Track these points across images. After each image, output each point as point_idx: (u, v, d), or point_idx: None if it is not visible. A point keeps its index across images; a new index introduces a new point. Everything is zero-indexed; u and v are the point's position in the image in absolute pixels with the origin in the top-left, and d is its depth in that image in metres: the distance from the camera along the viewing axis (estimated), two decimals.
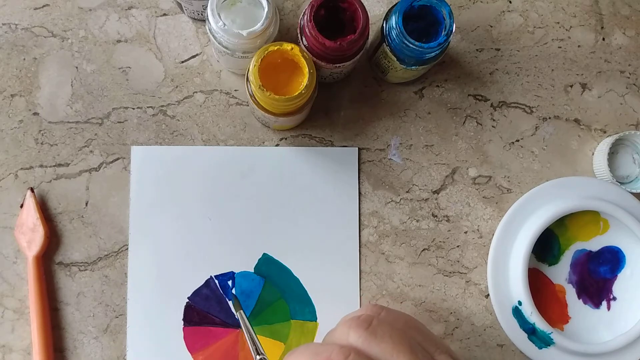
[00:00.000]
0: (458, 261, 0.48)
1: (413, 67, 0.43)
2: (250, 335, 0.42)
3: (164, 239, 0.46)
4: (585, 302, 0.47)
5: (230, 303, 0.46)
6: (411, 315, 0.37)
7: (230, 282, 0.46)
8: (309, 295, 0.47)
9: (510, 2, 0.50)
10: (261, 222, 0.47)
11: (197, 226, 0.47)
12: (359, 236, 0.47)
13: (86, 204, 0.47)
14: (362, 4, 0.40)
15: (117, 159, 0.47)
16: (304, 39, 0.41)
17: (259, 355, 0.40)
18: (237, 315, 0.45)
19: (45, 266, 0.46)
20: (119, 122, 0.47)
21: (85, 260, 0.46)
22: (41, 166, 0.47)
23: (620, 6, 0.50)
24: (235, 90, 0.48)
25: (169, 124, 0.47)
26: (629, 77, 0.50)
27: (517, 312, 0.45)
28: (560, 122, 0.49)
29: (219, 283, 0.46)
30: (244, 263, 0.47)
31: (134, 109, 0.47)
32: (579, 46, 0.50)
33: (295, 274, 0.47)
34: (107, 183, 0.47)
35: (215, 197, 0.47)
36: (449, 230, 0.48)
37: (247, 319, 0.44)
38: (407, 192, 0.48)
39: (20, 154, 0.47)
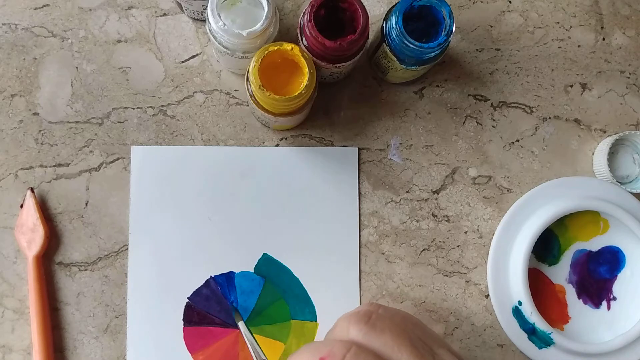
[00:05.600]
0: (458, 261, 0.48)
1: (413, 67, 0.43)
2: (252, 345, 0.42)
3: (164, 239, 0.46)
4: (585, 302, 0.47)
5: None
6: (409, 312, 0.37)
7: (230, 282, 0.46)
8: (309, 295, 0.47)
9: (510, 2, 0.50)
10: (261, 222, 0.47)
11: (197, 226, 0.47)
12: (359, 236, 0.47)
13: (86, 204, 0.47)
14: (362, 4, 0.40)
15: (117, 159, 0.47)
16: (304, 39, 0.41)
17: None
18: (238, 325, 0.45)
19: (45, 266, 0.46)
20: (119, 122, 0.47)
21: (85, 260, 0.46)
22: (41, 166, 0.47)
23: (620, 6, 0.50)
24: (235, 90, 0.48)
25: (169, 124, 0.47)
26: (629, 77, 0.50)
27: (517, 312, 0.45)
28: (560, 122, 0.49)
29: (219, 283, 0.46)
30: (244, 263, 0.47)
31: (134, 109, 0.47)
32: (579, 46, 0.50)
33: (295, 274, 0.47)
34: (107, 183, 0.47)
35: (215, 197, 0.47)
36: (449, 230, 0.48)
37: (249, 329, 0.45)
38: (407, 192, 0.48)
39: (20, 154, 0.47)
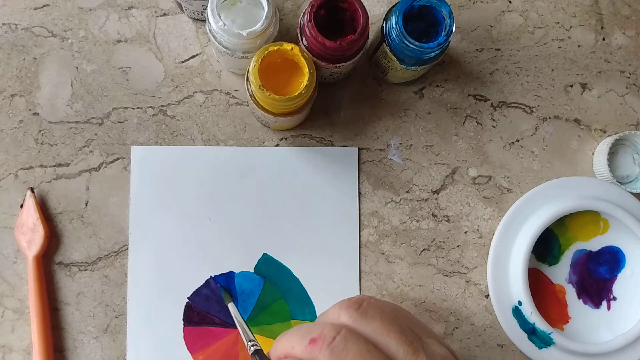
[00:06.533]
0: (458, 261, 0.48)
1: (413, 67, 0.43)
2: (240, 325, 0.42)
3: (164, 239, 0.46)
4: (585, 302, 0.47)
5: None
6: (400, 306, 0.37)
7: (230, 282, 0.46)
8: (309, 295, 0.47)
9: (510, 2, 0.50)
10: (261, 222, 0.47)
11: (197, 226, 0.47)
12: (359, 236, 0.47)
13: (86, 204, 0.47)
14: (362, 4, 0.40)
15: (117, 159, 0.47)
16: (304, 39, 0.41)
17: (251, 341, 0.40)
18: (228, 307, 0.45)
19: (45, 266, 0.46)
20: (119, 122, 0.47)
21: (85, 260, 0.46)
22: (41, 166, 0.47)
23: (620, 6, 0.50)
24: (235, 90, 0.48)
25: (169, 124, 0.47)
26: (629, 77, 0.50)
27: (517, 312, 0.45)
28: (560, 122, 0.49)
29: (219, 283, 0.46)
30: (244, 263, 0.47)
31: (134, 109, 0.47)
32: (579, 46, 0.50)
33: (295, 274, 0.47)
34: (107, 183, 0.47)
35: (215, 197, 0.47)
36: (449, 230, 0.48)
37: (238, 309, 0.45)
38: (407, 192, 0.48)
39: (20, 154, 0.47)
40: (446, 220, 0.48)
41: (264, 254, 0.47)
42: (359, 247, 0.47)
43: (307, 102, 0.42)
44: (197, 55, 0.48)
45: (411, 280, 0.47)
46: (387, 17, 0.42)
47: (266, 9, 0.40)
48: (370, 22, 0.41)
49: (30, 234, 0.45)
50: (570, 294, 0.47)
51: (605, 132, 0.49)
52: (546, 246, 0.47)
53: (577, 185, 0.47)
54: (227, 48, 0.41)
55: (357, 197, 0.48)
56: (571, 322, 0.47)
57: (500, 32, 0.50)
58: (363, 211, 0.48)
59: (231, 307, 0.44)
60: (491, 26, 0.50)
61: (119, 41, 0.48)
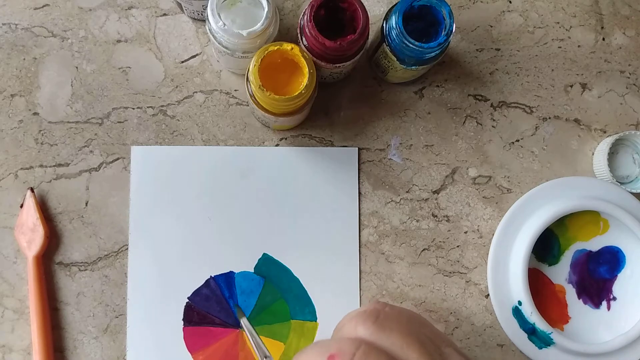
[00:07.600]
0: (458, 261, 0.48)
1: (413, 67, 0.43)
2: (255, 340, 0.43)
3: (164, 239, 0.46)
4: (585, 302, 0.47)
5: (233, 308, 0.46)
6: (413, 311, 0.37)
7: (230, 282, 0.46)
8: (309, 295, 0.47)
9: (510, 2, 0.50)
10: (261, 222, 0.47)
11: (197, 226, 0.47)
12: (359, 236, 0.47)
13: (86, 204, 0.47)
14: (362, 4, 0.40)
15: (117, 159, 0.47)
16: (304, 39, 0.41)
17: (266, 358, 0.40)
18: (241, 322, 0.45)
19: (45, 266, 0.46)
20: (119, 122, 0.47)
21: (85, 260, 0.46)
22: (41, 166, 0.47)
23: (620, 6, 0.50)
24: (235, 90, 0.48)
25: (169, 124, 0.47)
26: (629, 77, 0.50)
27: (517, 312, 0.45)
28: (560, 122, 0.49)
29: (219, 283, 0.46)
30: (244, 263, 0.47)
31: (134, 109, 0.47)
32: (579, 46, 0.50)
33: (295, 274, 0.47)
34: (107, 183, 0.47)
35: (215, 197, 0.47)
36: (449, 230, 0.48)
37: (251, 324, 0.45)
38: (407, 192, 0.48)
39: (20, 154, 0.47)
40: (446, 220, 0.48)
41: (264, 254, 0.47)
42: (359, 247, 0.47)
43: (307, 102, 0.42)
44: (197, 55, 0.48)
45: (411, 280, 0.47)
46: (387, 17, 0.42)
47: (266, 9, 0.40)
48: (370, 22, 0.41)
49: (30, 234, 0.45)
50: (570, 294, 0.47)
51: (605, 132, 0.49)
52: (546, 246, 0.47)
53: (577, 185, 0.47)
54: (227, 48, 0.41)
55: (357, 197, 0.48)
56: (571, 322, 0.47)
57: (500, 32, 0.50)
58: (363, 211, 0.48)
59: (244, 322, 0.45)
60: (491, 26, 0.50)
61: (119, 41, 0.48)
